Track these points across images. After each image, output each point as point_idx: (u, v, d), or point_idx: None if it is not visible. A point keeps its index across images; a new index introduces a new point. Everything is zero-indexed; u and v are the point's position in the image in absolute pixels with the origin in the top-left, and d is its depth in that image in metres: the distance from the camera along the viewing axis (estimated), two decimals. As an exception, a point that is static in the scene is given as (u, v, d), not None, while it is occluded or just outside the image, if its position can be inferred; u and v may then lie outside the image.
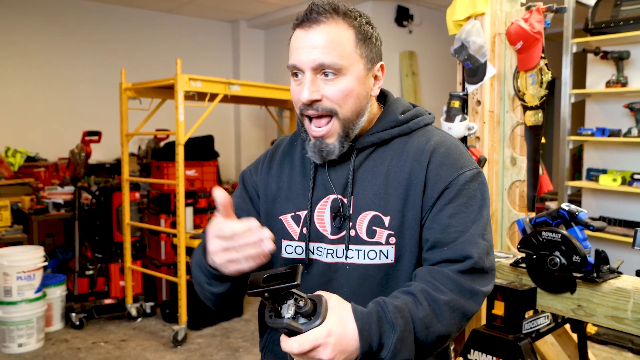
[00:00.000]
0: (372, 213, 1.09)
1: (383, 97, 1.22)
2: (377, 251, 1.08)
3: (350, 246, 1.09)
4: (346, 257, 1.10)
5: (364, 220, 1.09)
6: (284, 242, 1.16)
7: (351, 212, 1.10)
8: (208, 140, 4.65)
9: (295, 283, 0.85)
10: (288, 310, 0.88)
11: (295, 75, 1.08)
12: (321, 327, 0.87)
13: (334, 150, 1.09)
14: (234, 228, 0.92)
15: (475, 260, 1.02)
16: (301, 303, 0.88)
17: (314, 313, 0.88)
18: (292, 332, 0.87)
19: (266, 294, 0.86)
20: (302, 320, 0.88)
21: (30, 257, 3.48)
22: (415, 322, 0.95)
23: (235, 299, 1.13)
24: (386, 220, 1.08)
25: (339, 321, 0.89)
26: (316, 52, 1.03)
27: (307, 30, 1.05)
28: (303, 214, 1.14)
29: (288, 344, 0.86)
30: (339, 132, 1.08)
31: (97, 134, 4.26)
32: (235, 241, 0.92)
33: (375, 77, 1.14)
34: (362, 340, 0.90)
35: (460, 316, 1.00)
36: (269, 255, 0.93)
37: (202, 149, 4.49)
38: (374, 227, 1.08)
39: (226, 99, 3.92)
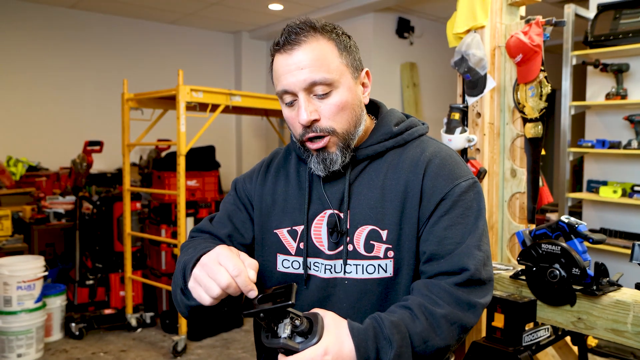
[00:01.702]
0: (370, 227, 1.08)
1: (375, 109, 1.22)
2: (375, 265, 1.07)
3: (349, 261, 1.08)
4: (344, 272, 1.09)
5: (361, 235, 1.08)
6: (280, 257, 1.15)
7: (348, 226, 1.09)
8: (209, 150, 4.67)
9: (290, 302, 0.85)
10: (284, 330, 0.88)
11: (288, 99, 1.07)
12: (318, 346, 0.87)
13: (337, 160, 1.07)
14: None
15: (472, 272, 1.01)
16: (297, 322, 0.88)
17: (310, 331, 0.88)
18: (289, 352, 0.87)
19: (261, 314, 0.86)
20: (298, 339, 0.88)
21: (30, 267, 3.48)
22: (412, 336, 0.94)
23: (208, 317, 1.07)
24: (383, 234, 1.07)
25: (336, 339, 0.89)
26: (305, 72, 1.02)
27: (290, 52, 1.04)
28: (300, 228, 1.14)
29: None
30: (338, 144, 1.07)
31: (99, 143, 4.28)
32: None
33: (363, 85, 1.14)
34: (359, 357, 0.90)
35: (459, 329, 0.99)
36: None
37: (203, 160, 4.51)
38: (371, 242, 1.07)
39: (228, 109, 3.94)
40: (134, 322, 4.04)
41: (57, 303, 3.83)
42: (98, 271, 4.16)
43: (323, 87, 1.04)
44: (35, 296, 3.48)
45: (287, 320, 0.88)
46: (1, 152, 5.16)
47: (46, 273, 3.61)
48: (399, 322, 0.94)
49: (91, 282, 4.09)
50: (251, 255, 1.17)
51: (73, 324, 3.87)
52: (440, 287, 1.00)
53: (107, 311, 4.09)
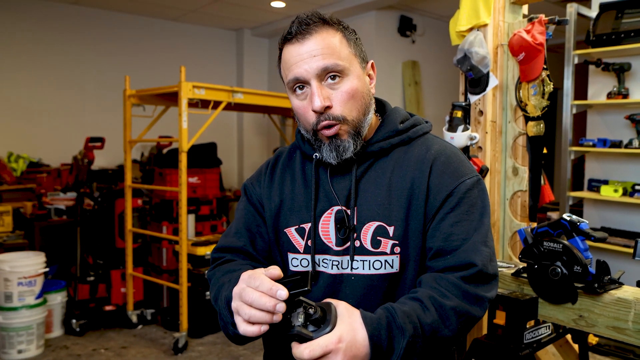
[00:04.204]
0: (376, 223, 1.09)
1: (381, 107, 1.23)
2: (382, 261, 1.09)
3: (356, 257, 1.10)
4: (351, 268, 1.10)
5: (368, 231, 1.09)
6: (290, 255, 1.16)
7: (355, 222, 1.10)
8: (211, 147, 4.67)
9: (306, 289, 0.86)
10: (297, 318, 0.88)
11: (299, 89, 1.08)
12: (332, 334, 0.88)
13: (349, 147, 1.08)
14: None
15: (479, 268, 1.03)
16: (311, 310, 0.89)
17: (323, 320, 0.90)
18: (303, 339, 0.88)
19: None
20: (311, 327, 0.89)
21: (31, 263, 3.48)
22: (423, 327, 0.96)
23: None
24: (390, 230, 1.08)
25: (349, 327, 0.90)
26: (317, 59, 1.05)
27: (302, 42, 1.06)
28: (307, 226, 1.15)
29: (299, 350, 0.87)
30: (350, 131, 1.08)
31: (101, 140, 4.28)
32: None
33: (369, 76, 1.16)
34: (373, 345, 0.91)
35: (466, 321, 1.01)
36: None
37: (205, 156, 4.51)
38: (378, 237, 1.09)
39: (229, 106, 3.94)
40: (134, 319, 4.04)
41: (57, 299, 3.84)
42: (99, 267, 4.16)
43: (334, 74, 1.06)
44: (36, 292, 3.48)
45: (300, 309, 0.89)
46: (2, 148, 5.17)
47: (47, 269, 3.62)
48: (411, 312, 0.96)
49: (92, 278, 4.09)
50: (271, 254, 1.20)
51: (74, 321, 3.88)
52: (448, 281, 1.02)
53: (108, 308, 4.10)
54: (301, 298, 0.89)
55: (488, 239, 1.08)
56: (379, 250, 1.09)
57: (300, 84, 1.08)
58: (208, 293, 3.85)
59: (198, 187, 4.33)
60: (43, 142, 5.47)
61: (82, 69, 5.80)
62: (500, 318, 1.63)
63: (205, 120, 3.67)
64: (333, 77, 1.06)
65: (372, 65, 1.17)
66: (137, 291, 4.17)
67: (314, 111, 1.06)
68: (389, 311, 0.96)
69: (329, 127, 1.07)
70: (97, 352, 3.58)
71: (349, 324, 0.91)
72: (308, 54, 1.05)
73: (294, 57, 1.07)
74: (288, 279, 0.91)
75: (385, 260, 1.09)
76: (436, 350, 0.99)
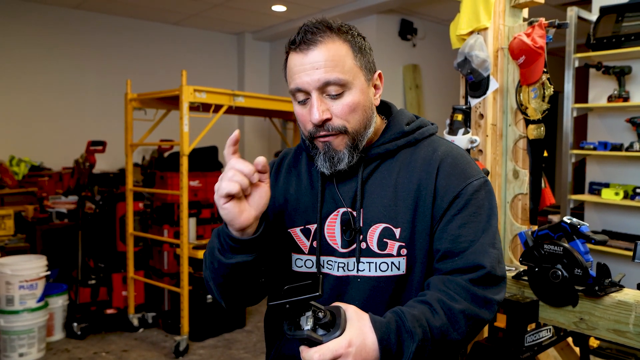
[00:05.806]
0: (383, 225, 1.09)
1: (387, 109, 1.23)
2: (388, 263, 1.09)
3: (362, 259, 1.10)
4: (357, 270, 1.10)
5: (374, 233, 1.09)
6: (294, 256, 1.16)
7: (361, 224, 1.10)
8: (212, 151, 4.68)
9: (318, 294, 0.86)
10: (307, 322, 0.89)
11: (301, 97, 1.09)
12: (341, 338, 0.88)
13: (344, 159, 1.08)
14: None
15: (488, 270, 1.03)
16: (320, 314, 0.89)
17: (333, 324, 0.90)
18: (312, 343, 0.88)
19: (287, 305, 0.88)
20: (321, 331, 0.89)
21: (33, 267, 3.49)
22: (432, 331, 0.96)
23: (245, 283, 1.08)
24: (397, 231, 1.08)
25: (359, 331, 0.90)
26: (319, 72, 1.04)
27: (306, 52, 1.05)
28: (313, 227, 1.15)
29: (308, 354, 0.88)
30: (348, 143, 1.08)
31: (102, 143, 4.29)
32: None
33: (375, 87, 1.15)
34: (382, 349, 0.92)
35: (475, 324, 1.01)
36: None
37: (206, 160, 4.52)
38: (385, 239, 1.09)
39: (231, 110, 3.95)
40: (135, 322, 4.04)
41: (59, 303, 3.84)
42: (100, 271, 4.16)
43: (336, 87, 1.05)
44: (37, 295, 3.48)
45: (309, 313, 0.89)
46: (4, 152, 5.18)
47: (48, 272, 3.62)
48: (420, 316, 0.96)
49: (93, 281, 4.09)
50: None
51: (75, 324, 3.88)
52: (456, 283, 1.02)
53: (109, 311, 4.10)
54: (311, 302, 0.89)
55: (496, 241, 1.08)
56: (385, 252, 1.09)
57: (302, 93, 1.07)
58: (209, 296, 3.85)
59: (199, 190, 4.34)
60: (45, 146, 5.48)
61: (83, 72, 5.81)
62: (501, 321, 1.63)
63: (207, 123, 3.68)
64: (335, 90, 1.05)
65: (379, 76, 1.15)
66: (138, 294, 4.17)
67: (312, 123, 1.07)
68: (398, 315, 0.96)
69: (327, 136, 1.07)
70: (98, 356, 3.58)
71: (359, 328, 0.91)
72: (310, 66, 1.04)
73: (297, 66, 1.06)
74: (297, 285, 0.91)
75: (392, 262, 1.08)
76: (445, 353, 0.99)
